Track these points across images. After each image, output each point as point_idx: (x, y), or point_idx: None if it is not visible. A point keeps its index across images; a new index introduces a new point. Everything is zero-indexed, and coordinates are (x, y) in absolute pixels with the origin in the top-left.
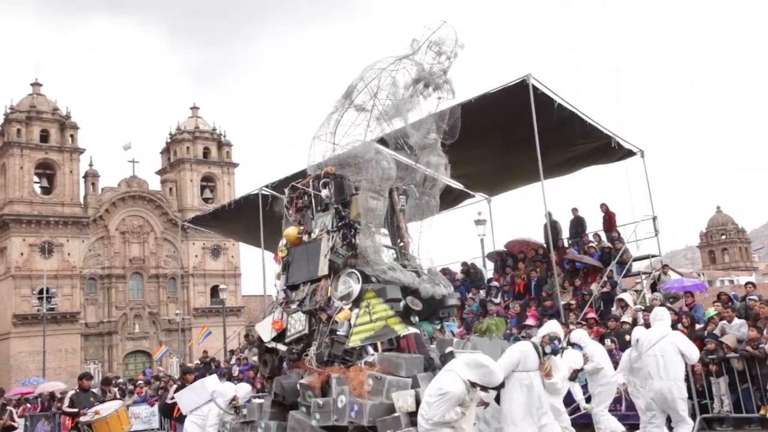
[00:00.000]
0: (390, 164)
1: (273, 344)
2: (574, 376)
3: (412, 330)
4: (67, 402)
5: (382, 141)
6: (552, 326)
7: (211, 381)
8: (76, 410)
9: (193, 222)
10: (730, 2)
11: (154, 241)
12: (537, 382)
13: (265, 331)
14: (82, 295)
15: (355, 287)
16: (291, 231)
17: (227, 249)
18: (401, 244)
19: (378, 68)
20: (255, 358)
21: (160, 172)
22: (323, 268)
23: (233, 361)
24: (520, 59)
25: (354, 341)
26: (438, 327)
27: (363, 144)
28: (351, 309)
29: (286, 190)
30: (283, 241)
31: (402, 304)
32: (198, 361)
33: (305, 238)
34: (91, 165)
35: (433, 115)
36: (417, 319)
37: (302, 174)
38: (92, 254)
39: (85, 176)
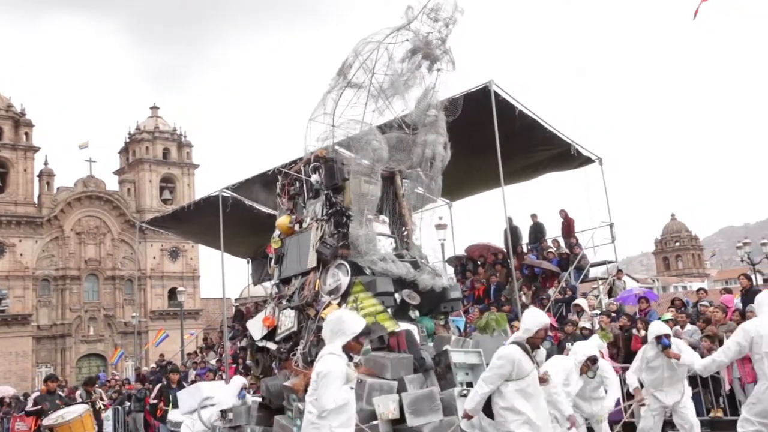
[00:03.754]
0: (381, 144)
1: (263, 343)
2: (585, 369)
3: (405, 327)
4: (30, 403)
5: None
6: (587, 346)
7: (208, 386)
8: (39, 407)
9: (151, 223)
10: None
11: (111, 243)
12: (536, 386)
13: (256, 328)
14: (35, 297)
15: (344, 280)
16: (283, 220)
17: (186, 251)
18: (405, 232)
19: (374, 41)
20: (213, 362)
21: (118, 173)
22: (311, 260)
23: (190, 364)
24: (481, 62)
25: None
26: (442, 323)
27: (361, 125)
28: (339, 304)
29: (279, 177)
30: (276, 232)
31: (398, 298)
32: (154, 365)
33: (297, 227)
34: (46, 164)
35: (430, 89)
36: (417, 314)
37: (265, 176)
38: (46, 255)
39: (40, 175)
